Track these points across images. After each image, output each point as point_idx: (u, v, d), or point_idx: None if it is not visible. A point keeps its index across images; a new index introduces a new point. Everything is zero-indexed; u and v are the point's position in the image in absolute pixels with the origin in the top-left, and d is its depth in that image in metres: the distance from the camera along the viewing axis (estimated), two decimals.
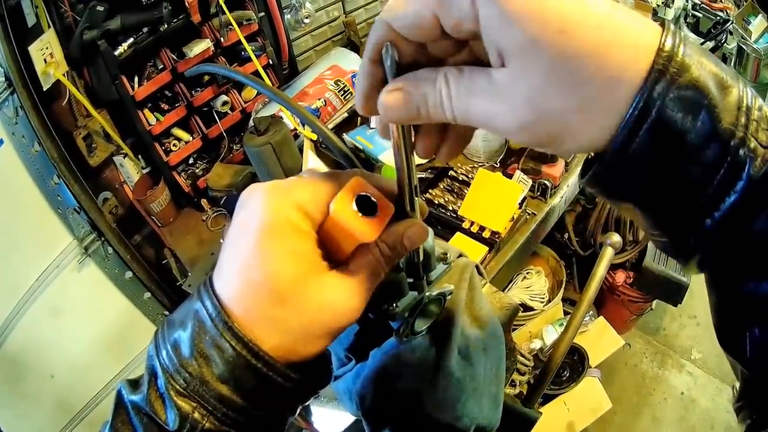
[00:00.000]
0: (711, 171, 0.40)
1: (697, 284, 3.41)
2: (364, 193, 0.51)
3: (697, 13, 3.17)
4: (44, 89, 1.74)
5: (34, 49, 1.66)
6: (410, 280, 0.65)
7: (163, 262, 2.25)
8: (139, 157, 2.15)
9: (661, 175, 0.42)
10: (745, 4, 3.13)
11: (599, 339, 2.67)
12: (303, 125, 2.07)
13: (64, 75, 1.76)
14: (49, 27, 1.71)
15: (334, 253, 0.52)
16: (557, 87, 0.40)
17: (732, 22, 3.06)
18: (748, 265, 0.44)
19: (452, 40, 0.44)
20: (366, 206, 0.51)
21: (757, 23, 3.08)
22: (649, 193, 0.43)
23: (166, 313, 2.26)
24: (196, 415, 0.48)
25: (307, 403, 0.58)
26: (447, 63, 0.47)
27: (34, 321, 2.04)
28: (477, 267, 0.88)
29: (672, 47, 0.40)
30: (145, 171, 2.19)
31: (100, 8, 1.75)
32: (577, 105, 0.40)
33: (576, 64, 0.39)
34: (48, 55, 1.70)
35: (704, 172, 0.41)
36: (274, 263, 0.48)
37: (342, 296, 0.51)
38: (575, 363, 2.56)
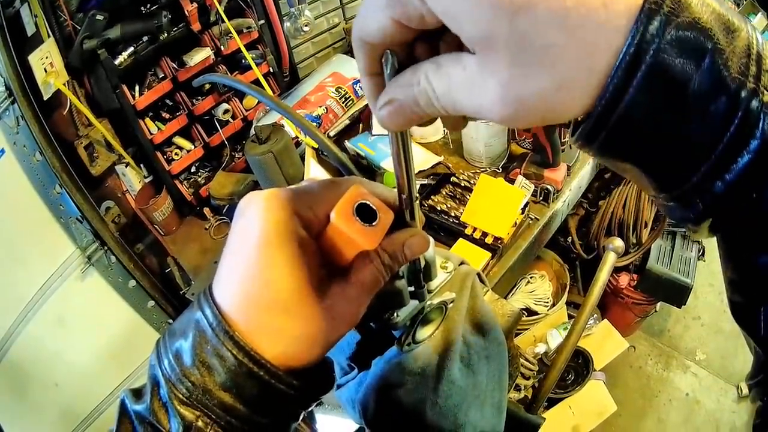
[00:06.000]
0: (719, 127, 0.35)
1: (701, 286, 3.41)
2: (364, 201, 0.52)
3: None
4: (45, 99, 1.75)
5: (34, 59, 1.67)
6: (411, 288, 0.65)
7: (167, 270, 2.26)
8: (141, 166, 2.15)
9: (662, 131, 0.36)
10: (744, 2, 3.13)
11: (604, 342, 2.67)
12: (304, 133, 2.07)
13: (64, 84, 1.77)
14: (49, 36, 1.71)
15: (334, 261, 0.53)
16: (525, 73, 0.36)
17: None
18: (763, 236, 0.40)
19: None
20: (366, 214, 0.52)
21: (756, 21, 3.08)
22: (649, 151, 0.38)
23: (170, 321, 2.26)
24: (200, 423, 0.48)
25: (311, 410, 0.59)
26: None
27: (38, 330, 2.05)
28: (478, 275, 0.88)
29: None
30: (147, 180, 2.19)
31: (99, 17, 1.76)
32: (555, 85, 0.36)
33: (539, 43, 0.34)
34: (48, 65, 1.71)
35: (711, 127, 0.35)
36: (274, 272, 0.49)
37: (341, 304, 0.51)
38: (580, 366, 2.56)
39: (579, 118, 0.39)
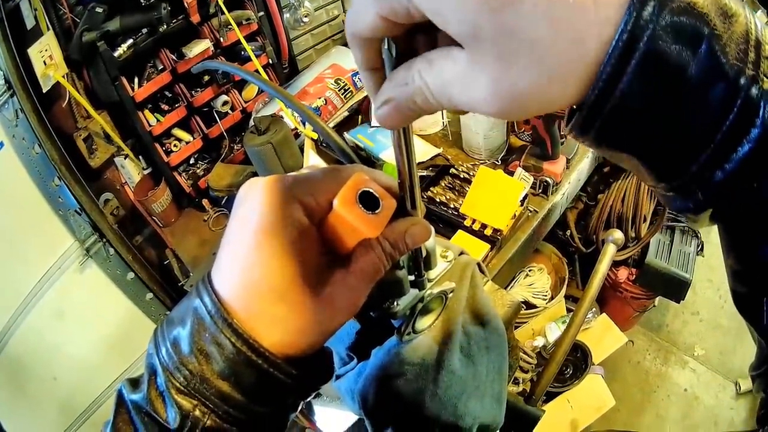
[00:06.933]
0: (718, 115, 0.34)
1: (700, 281, 3.41)
2: (367, 189, 0.51)
3: None
4: (44, 91, 1.74)
5: (34, 52, 1.66)
6: (411, 278, 0.65)
7: (165, 262, 2.26)
8: (140, 157, 2.15)
9: (658, 120, 0.35)
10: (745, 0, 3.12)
11: (602, 336, 2.67)
12: (304, 124, 2.07)
13: (63, 77, 1.76)
14: (49, 29, 1.71)
15: (335, 249, 0.52)
16: (514, 68, 0.35)
17: None
18: (765, 226, 0.39)
19: None
20: (368, 202, 0.51)
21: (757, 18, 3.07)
22: (646, 141, 0.37)
23: (168, 313, 2.26)
24: (197, 412, 0.48)
25: (309, 402, 0.58)
26: None
27: (37, 323, 2.05)
28: (479, 265, 0.88)
29: None
30: (146, 172, 2.19)
31: (99, 10, 1.75)
32: (544, 78, 0.35)
33: (525, 37, 0.33)
34: (47, 57, 1.70)
35: (710, 116, 0.34)
36: (274, 260, 0.48)
37: (341, 292, 0.51)
38: (578, 360, 2.55)
39: (574, 107, 0.38)
